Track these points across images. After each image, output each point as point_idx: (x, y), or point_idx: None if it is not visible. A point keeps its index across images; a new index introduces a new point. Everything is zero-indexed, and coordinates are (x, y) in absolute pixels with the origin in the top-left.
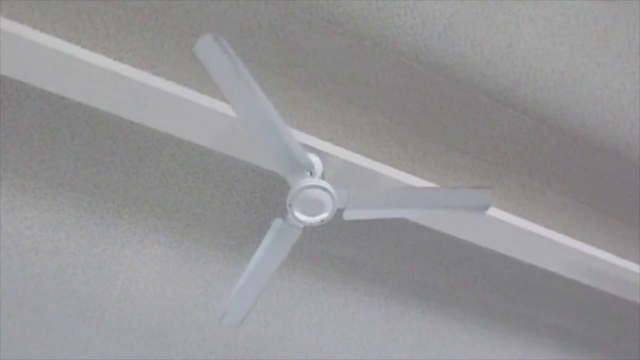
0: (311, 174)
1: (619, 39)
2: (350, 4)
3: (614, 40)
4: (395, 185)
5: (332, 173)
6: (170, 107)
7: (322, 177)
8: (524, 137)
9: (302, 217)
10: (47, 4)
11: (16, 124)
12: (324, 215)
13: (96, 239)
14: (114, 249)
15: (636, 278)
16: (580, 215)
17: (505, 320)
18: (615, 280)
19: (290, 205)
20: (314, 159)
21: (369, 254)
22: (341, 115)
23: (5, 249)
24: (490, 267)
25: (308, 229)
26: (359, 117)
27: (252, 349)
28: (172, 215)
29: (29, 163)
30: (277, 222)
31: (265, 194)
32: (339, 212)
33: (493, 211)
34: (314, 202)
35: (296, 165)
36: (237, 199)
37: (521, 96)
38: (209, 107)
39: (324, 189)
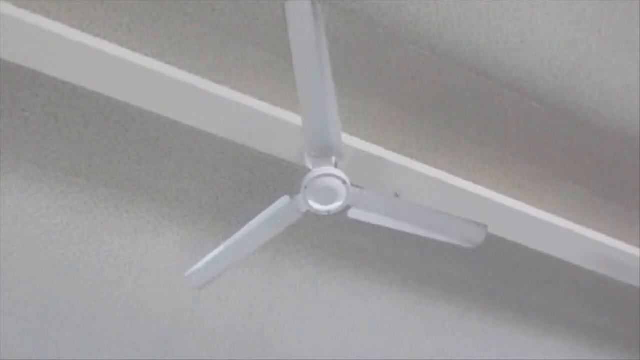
0: (336, 165)
1: (636, 25)
2: None
3: (631, 27)
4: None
5: (345, 162)
6: (183, 96)
7: (336, 165)
8: (537, 125)
9: (312, 203)
10: None
11: (31, 113)
12: (333, 207)
13: (110, 227)
14: (127, 237)
15: None
16: (593, 204)
17: (516, 308)
18: (627, 268)
19: (305, 188)
20: None
21: (381, 243)
22: (353, 104)
23: (20, 237)
24: (501, 256)
25: (318, 218)
26: (371, 106)
27: (265, 338)
28: (185, 204)
29: (42, 152)
30: (283, 200)
31: (278, 184)
32: (345, 208)
33: (505, 200)
34: (329, 191)
35: (327, 149)
36: (249, 188)
37: (535, 85)
38: (221, 95)
39: (343, 182)
